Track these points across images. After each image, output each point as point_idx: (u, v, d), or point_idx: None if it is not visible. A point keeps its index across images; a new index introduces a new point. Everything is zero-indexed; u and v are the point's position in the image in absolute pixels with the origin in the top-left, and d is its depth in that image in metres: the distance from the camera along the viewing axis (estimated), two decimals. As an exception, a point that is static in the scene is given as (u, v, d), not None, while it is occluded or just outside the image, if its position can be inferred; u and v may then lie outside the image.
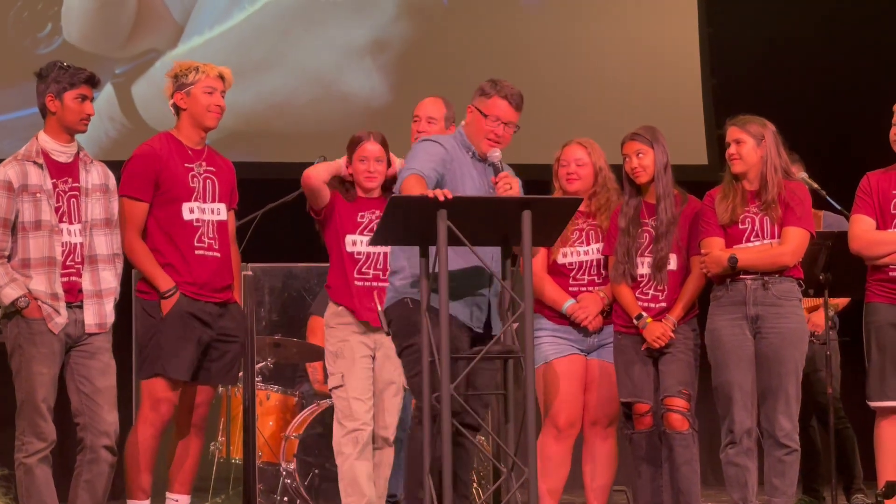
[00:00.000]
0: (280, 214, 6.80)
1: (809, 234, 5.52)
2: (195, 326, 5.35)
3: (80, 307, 5.18)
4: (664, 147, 5.70)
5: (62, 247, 5.16)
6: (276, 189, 6.81)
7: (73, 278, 5.18)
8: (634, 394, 5.67)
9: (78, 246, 5.20)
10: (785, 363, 5.44)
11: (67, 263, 5.17)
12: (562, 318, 5.70)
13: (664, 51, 8.91)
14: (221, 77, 5.44)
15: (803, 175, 6.50)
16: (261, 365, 7.07)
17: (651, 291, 5.67)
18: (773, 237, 5.49)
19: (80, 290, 5.19)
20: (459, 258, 4.82)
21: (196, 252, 5.38)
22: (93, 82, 5.25)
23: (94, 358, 5.20)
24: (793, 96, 8.75)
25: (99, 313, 5.22)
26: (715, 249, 5.49)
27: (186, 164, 5.38)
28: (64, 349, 5.17)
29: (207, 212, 5.40)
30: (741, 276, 5.49)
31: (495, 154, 5.03)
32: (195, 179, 5.39)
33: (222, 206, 5.46)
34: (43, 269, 5.12)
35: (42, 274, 5.12)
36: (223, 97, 5.45)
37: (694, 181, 8.13)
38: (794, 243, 5.47)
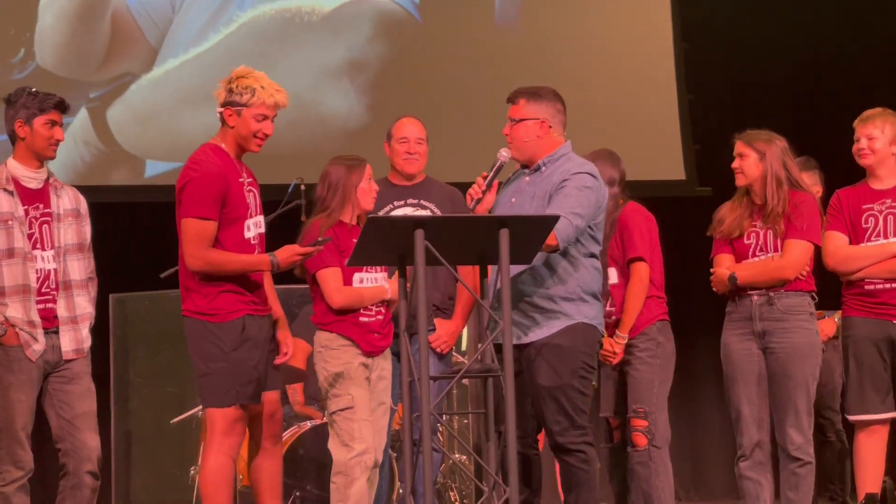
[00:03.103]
0: (258, 236, 6.78)
1: (813, 245, 5.53)
2: (259, 348, 5.09)
3: (57, 333, 5.15)
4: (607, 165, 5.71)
5: (36, 273, 5.14)
6: (253, 211, 6.79)
7: (49, 305, 5.16)
8: (605, 409, 5.84)
9: (52, 272, 5.18)
10: (793, 378, 5.47)
11: (42, 290, 5.15)
12: None
13: (640, 67, 8.93)
14: (278, 105, 5.12)
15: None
16: (240, 388, 7.03)
17: None
18: (776, 251, 5.52)
19: (56, 317, 5.16)
20: None
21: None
22: (62, 108, 5.23)
23: (73, 383, 5.18)
24: (768, 112, 8.78)
25: (75, 339, 5.19)
26: (722, 267, 5.52)
27: (239, 180, 5.10)
28: (42, 376, 5.14)
29: (254, 226, 5.13)
30: (748, 293, 5.52)
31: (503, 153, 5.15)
32: (248, 195, 5.13)
33: (262, 218, 5.21)
34: (18, 297, 5.10)
35: (17, 301, 5.10)
36: (273, 122, 5.15)
37: (671, 196, 8.15)
38: (793, 256, 5.48)
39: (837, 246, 5.77)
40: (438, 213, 5.95)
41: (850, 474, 6.53)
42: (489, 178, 5.04)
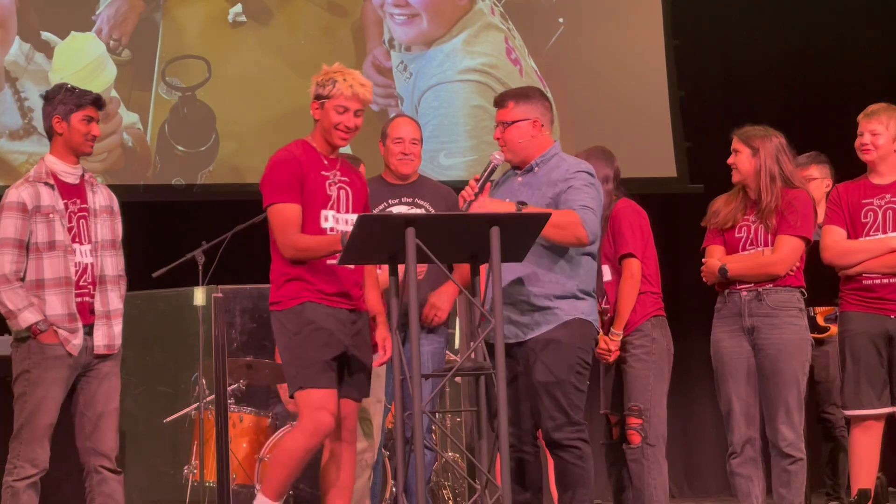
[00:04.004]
0: (250, 235, 6.78)
1: (805, 241, 5.50)
2: (327, 334, 5.01)
3: (90, 333, 5.19)
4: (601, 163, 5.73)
5: (75, 267, 5.17)
6: (245, 210, 6.79)
7: (86, 299, 5.21)
8: (605, 406, 5.84)
9: (89, 266, 5.23)
10: (782, 374, 5.45)
11: (80, 284, 5.19)
12: None
13: (631, 64, 8.92)
14: (358, 97, 5.10)
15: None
16: (233, 387, 7.04)
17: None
18: (766, 246, 5.50)
19: (92, 311, 5.20)
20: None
21: (328, 262, 5.06)
22: (99, 104, 5.29)
23: (103, 383, 5.23)
24: (759, 108, 8.79)
25: (108, 334, 5.24)
26: (713, 258, 5.53)
27: (323, 172, 5.12)
28: (73, 376, 5.18)
29: (342, 221, 5.13)
30: (737, 288, 5.52)
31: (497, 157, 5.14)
32: (332, 187, 5.13)
33: (355, 217, 5.07)
34: (59, 290, 5.15)
35: (57, 294, 5.14)
36: (359, 115, 5.13)
37: (662, 193, 8.14)
38: (784, 251, 5.46)
39: (835, 240, 5.77)
40: (433, 211, 5.94)
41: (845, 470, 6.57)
42: (482, 180, 5.03)
